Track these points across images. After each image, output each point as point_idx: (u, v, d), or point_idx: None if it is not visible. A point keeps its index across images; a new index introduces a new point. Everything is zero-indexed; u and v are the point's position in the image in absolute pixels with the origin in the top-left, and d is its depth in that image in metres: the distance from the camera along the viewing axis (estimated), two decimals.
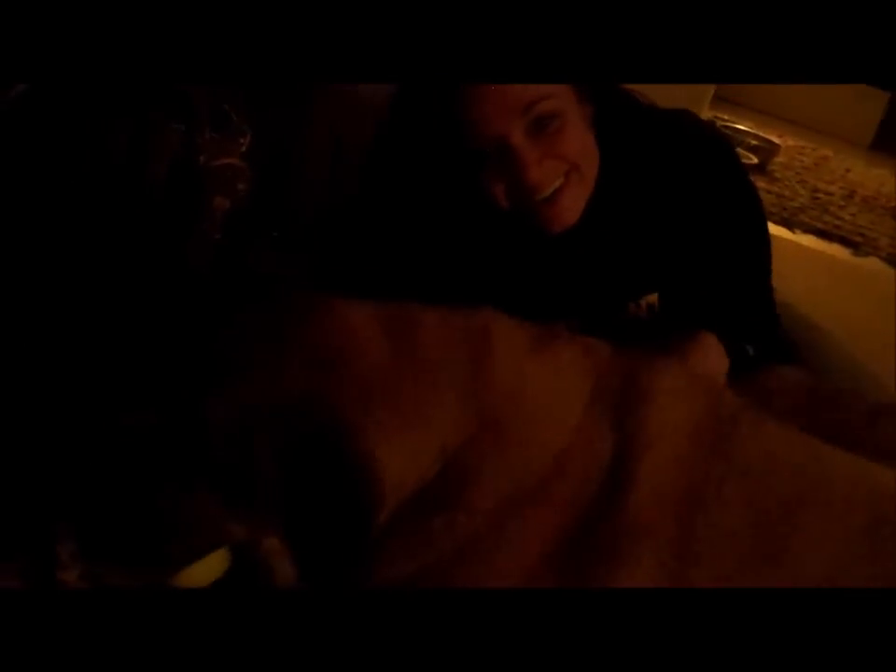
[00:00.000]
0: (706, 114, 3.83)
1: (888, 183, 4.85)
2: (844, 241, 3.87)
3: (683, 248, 1.38)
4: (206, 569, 0.93)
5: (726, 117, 4.84)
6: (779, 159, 4.66)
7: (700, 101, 3.47)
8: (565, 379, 1.04)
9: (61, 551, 0.92)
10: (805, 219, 3.97)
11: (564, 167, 1.26)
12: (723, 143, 1.47)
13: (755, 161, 4.33)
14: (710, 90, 3.87)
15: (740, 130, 4.59)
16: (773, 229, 1.69)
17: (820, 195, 4.35)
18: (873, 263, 3.70)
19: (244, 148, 1.37)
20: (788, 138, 5.15)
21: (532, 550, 0.95)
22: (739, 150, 2.20)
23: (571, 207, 1.29)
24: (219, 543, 0.92)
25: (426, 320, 1.00)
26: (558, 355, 1.06)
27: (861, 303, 2.90)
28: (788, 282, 1.67)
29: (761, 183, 3.94)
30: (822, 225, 3.97)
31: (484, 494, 0.95)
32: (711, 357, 1.28)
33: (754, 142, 4.51)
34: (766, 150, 4.52)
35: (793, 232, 3.85)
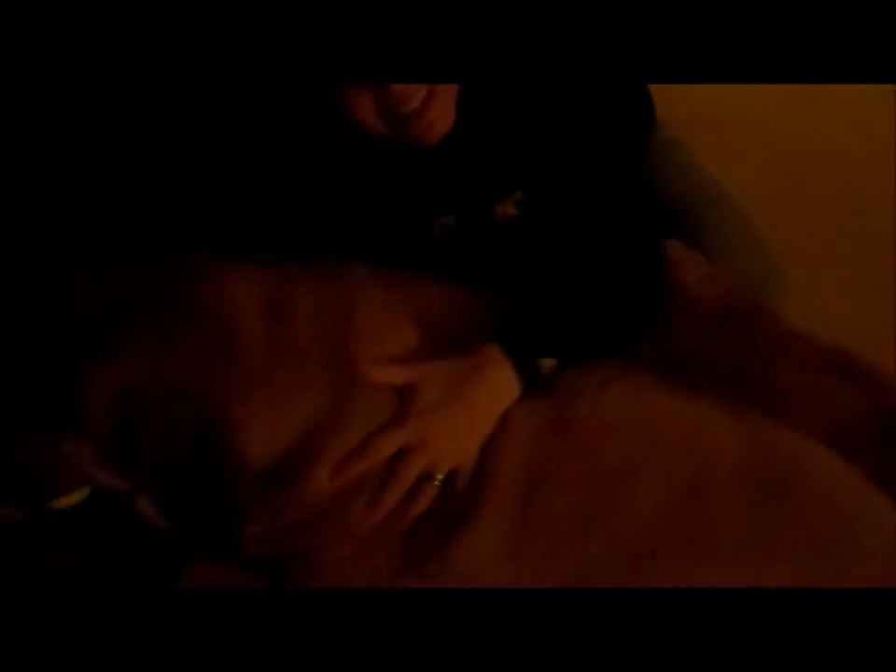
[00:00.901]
0: None
1: None
2: None
3: (548, 144, 1.32)
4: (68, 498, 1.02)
5: None
6: None
7: None
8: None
9: None
10: None
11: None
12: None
13: None
14: None
15: None
16: None
17: None
18: None
19: None
20: None
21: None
22: None
23: (438, 118, 1.22)
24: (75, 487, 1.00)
25: (300, 303, 1.07)
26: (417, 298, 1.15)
27: None
28: None
29: None
30: None
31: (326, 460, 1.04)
32: (489, 387, 1.16)
33: None
34: None
35: None
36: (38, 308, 1.02)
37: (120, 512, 1.04)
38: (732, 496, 1.12)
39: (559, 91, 1.32)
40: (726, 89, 1.99)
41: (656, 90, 1.70)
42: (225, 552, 1.04)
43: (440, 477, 1.10)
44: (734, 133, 2.42)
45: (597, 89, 1.38)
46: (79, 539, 1.08)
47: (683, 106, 1.94)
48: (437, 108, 1.20)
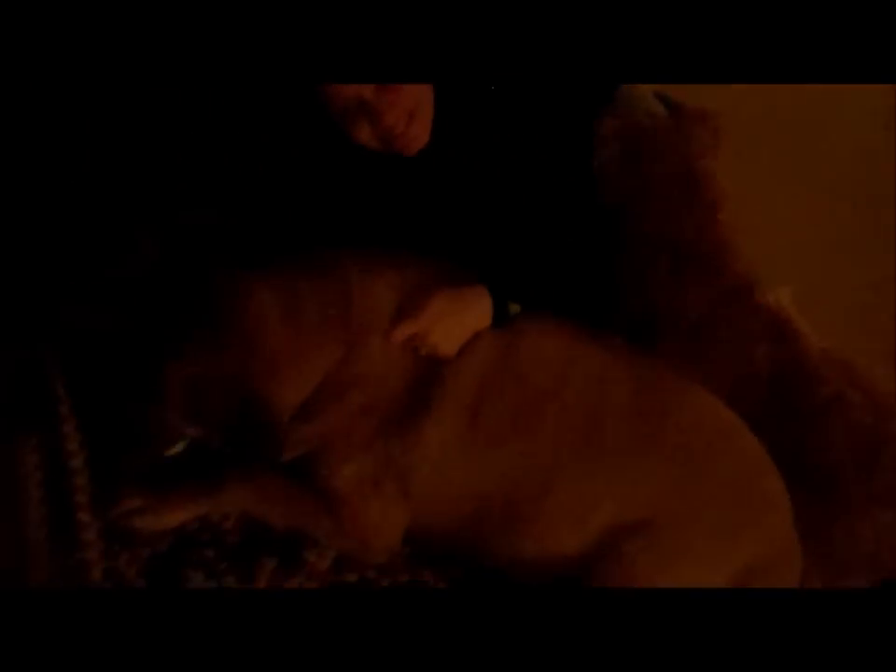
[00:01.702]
0: None
1: None
2: None
3: (504, 152, 1.76)
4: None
5: None
6: None
7: None
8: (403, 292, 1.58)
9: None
10: None
11: (408, 107, 1.64)
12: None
13: None
14: None
15: None
16: None
17: None
18: None
19: None
20: None
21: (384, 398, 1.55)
22: None
23: (419, 134, 1.68)
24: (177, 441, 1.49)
25: (302, 287, 1.51)
26: (403, 275, 1.59)
27: None
28: None
29: None
30: None
31: (347, 389, 1.54)
32: (475, 310, 1.63)
33: None
34: None
35: None
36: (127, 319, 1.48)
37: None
38: (621, 419, 1.59)
39: (515, 107, 1.76)
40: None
41: None
42: (268, 463, 1.53)
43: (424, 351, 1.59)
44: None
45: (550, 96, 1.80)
46: None
47: None
48: (416, 130, 1.67)
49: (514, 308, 1.66)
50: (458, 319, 1.61)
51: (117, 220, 1.68)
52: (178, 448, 1.51)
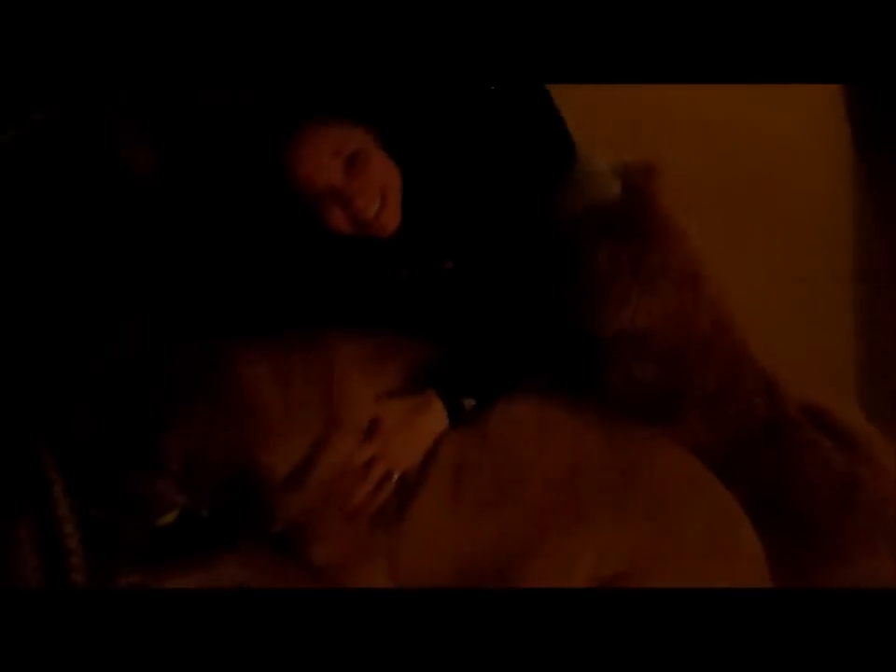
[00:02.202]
0: None
1: None
2: None
3: (471, 219, 1.85)
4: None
5: None
6: None
7: None
8: (387, 385, 1.67)
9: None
10: None
11: (378, 189, 1.73)
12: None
13: None
14: None
15: None
16: None
17: None
18: None
19: None
20: None
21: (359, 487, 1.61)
22: None
23: (392, 216, 1.76)
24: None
25: (292, 361, 1.60)
26: (385, 368, 1.68)
27: None
28: None
29: None
30: None
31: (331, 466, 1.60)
32: (428, 418, 1.70)
33: None
34: None
35: None
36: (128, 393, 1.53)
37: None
38: (596, 478, 1.67)
39: (476, 185, 1.85)
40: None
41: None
42: (256, 533, 1.58)
43: (396, 476, 1.65)
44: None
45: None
46: None
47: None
48: (387, 213, 1.76)
49: (468, 403, 1.71)
50: (413, 431, 1.67)
51: (99, 308, 1.72)
52: (171, 517, 1.56)
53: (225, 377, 1.53)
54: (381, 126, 1.79)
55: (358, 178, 1.70)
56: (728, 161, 2.59)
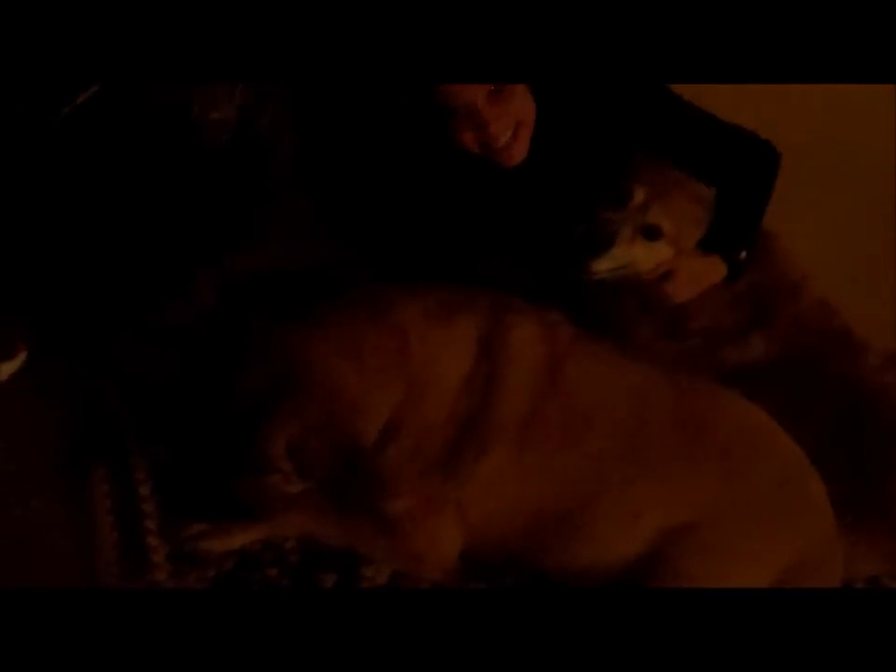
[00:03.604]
0: None
1: None
2: None
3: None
4: None
5: None
6: None
7: None
8: (457, 341, 1.66)
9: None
10: None
11: (513, 121, 1.81)
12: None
13: None
14: None
15: None
16: None
17: None
18: None
19: None
20: None
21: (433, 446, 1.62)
22: None
23: (520, 150, 1.86)
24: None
25: (359, 333, 1.60)
26: (455, 323, 1.67)
27: None
28: None
29: None
30: None
31: (409, 426, 1.61)
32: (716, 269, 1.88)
33: None
34: None
35: None
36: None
37: None
38: (663, 429, 1.66)
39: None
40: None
41: None
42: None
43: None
44: None
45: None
46: None
47: None
48: (517, 146, 1.84)
49: (742, 255, 1.92)
50: (700, 278, 1.91)
51: (176, 262, 1.77)
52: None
53: (293, 361, 1.55)
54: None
55: (499, 106, 1.78)
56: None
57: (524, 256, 1.95)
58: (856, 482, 1.81)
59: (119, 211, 1.78)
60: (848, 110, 2.55)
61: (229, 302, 1.78)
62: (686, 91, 1.97)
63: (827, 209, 2.44)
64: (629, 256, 1.87)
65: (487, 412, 1.62)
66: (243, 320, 1.68)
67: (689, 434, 1.66)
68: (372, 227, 1.99)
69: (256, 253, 1.85)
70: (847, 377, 1.91)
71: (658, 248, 1.88)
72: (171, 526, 1.59)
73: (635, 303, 1.97)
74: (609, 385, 1.69)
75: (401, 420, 1.60)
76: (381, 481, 1.55)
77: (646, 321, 1.98)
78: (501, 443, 1.61)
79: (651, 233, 1.87)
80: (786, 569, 1.60)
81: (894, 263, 2.51)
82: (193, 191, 1.80)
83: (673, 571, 1.57)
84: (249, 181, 1.84)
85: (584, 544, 1.62)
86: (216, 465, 1.56)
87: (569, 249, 1.87)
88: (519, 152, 1.84)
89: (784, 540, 1.62)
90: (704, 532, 1.59)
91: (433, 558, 1.63)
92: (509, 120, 1.79)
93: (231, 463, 1.53)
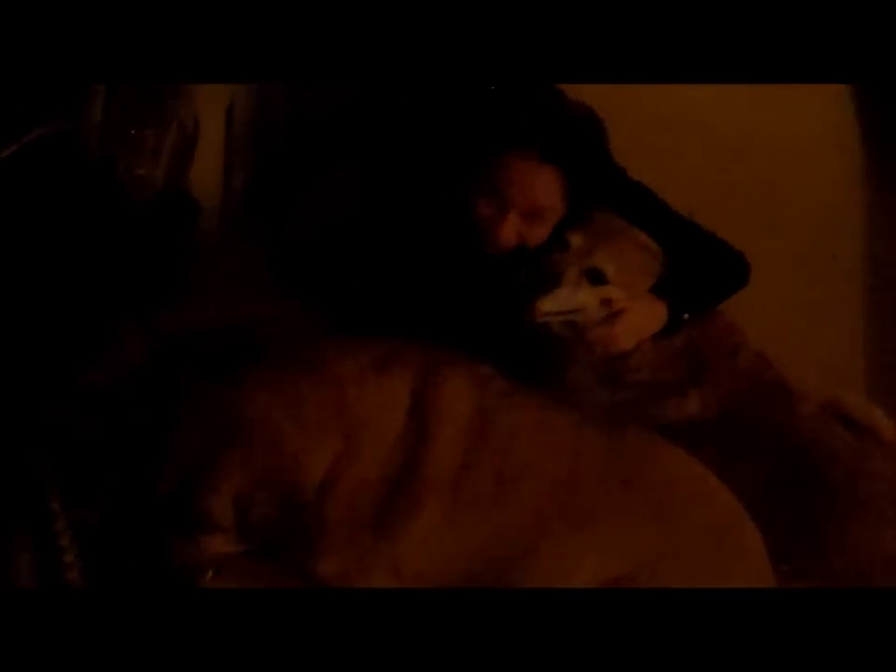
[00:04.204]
0: None
1: None
2: None
3: None
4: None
5: None
6: None
7: None
8: (392, 396, 1.66)
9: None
10: None
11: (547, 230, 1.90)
12: None
13: None
14: None
15: None
16: None
17: None
18: None
19: None
20: None
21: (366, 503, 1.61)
22: None
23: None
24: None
25: (304, 392, 1.59)
26: (390, 378, 1.66)
27: None
28: None
29: None
30: None
31: (344, 482, 1.60)
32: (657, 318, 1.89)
33: None
34: None
35: None
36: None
37: None
38: (597, 481, 1.66)
39: None
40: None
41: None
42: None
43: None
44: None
45: None
46: None
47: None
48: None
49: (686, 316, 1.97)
50: (640, 320, 1.92)
51: (103, 320, 1.74)
52: (210, 574, 1.59)
53: (238, 421, 1.53)
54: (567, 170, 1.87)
55: (535, 230, 1.88)
56: (735, 163, 2.59)
57: (464, 304, 1.94)
58: (793, 530, 1.81)
59: (43, 268, 1.76)
60: (785, 153, 2.61)
61: (159, 361, 1.76)
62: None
63: (762, 255, 2.46)
64: (575, 300, 1.87)
65: (419, 468, 1.62)
66: (174, 379, 1.66)
67: (622, 486, 1.66)
68: (318, 280, 1.98)
69: (186, 311, 1.83)
70: (782, 427, 1.92)
71: (605, 293, 1.89)
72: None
73: (575, 353, 1.97)
74: (540, 439, 1.68)
75: (337, 477, 1.59)
76: (317, 537, 1.54)
77: (585, 371, 1.97)
78: (434, 499, 1.60)
79: (596, 277, 1.87)
80: None
81: (829, 310, 2.53)
82: (119, 248, 1.78)
83: None
84: (176, 239, 1.83)
85: None
86: (147, 527, 1.52)
87: (515, 291, 1.88)
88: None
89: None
90: (641, 583, 1.58)
91: None
92: (542, 233, 1.90)
93: (166, 523, 1.50)
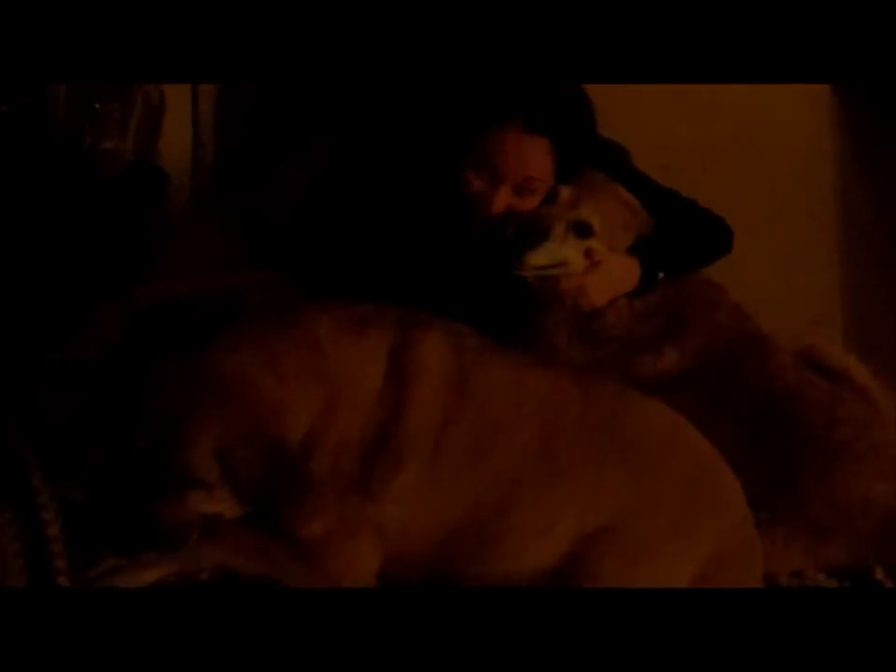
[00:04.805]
0: None
1: None
2: None
3: None
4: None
5: None
6: None
7: None
8: (369, 355, 1.66)
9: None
10: None
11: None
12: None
13: None
14: None
15: None
16: None
17: None
18: None
19: None
20: None
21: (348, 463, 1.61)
22: None
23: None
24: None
25: (276, 342, 1.59)
26: (367, 337, 1.66)
27: None
28: None
29: None
30: None
31: (326, 441, 1.60)
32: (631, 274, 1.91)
33: None
34: None
35: None
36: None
37: None
38: (574, 433, 1.67)
39: None
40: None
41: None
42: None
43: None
44: None
45: None
46: None
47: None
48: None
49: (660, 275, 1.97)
50: (611, 276, 1.93)
51: (77, 296, 1.75)
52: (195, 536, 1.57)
53: (215, 376, 1.53)
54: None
55: (525, 203, 1.91)
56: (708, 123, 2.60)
57: (445, 265, 1.96)
58: (772, 479, 1.84)
59: (13, 244, 1.76)
60: (760, 109, 2.61)
61: (133, 333, 1.76)
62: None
63: (738, 207, 2.48)
64: (562, 253, 1.88)
65: (399, 427, 1.62)
66: (150, 349, 1.66)
67: (598, 438, 1.68)
68: (295, 248, 1.98)
69: (158, 283, 1.83)
70: (759, 378, 1.94)
71: (588, 245, 1.90)
72: (81, 566, 1.55)
73: (551, 307, 1.98)
74: (517, 395, 1.69)
75: (319, 434, 1.59)
76: (306, 488, 1.53)
77: (560, 326, 1.98)
78: (414, 458, 1.61)
79: (583, 230, 1.88)
80: (704, 565, 1.62)
81: (806, 261, 2.55)
82: (89, 223, 1.78)
83: (591, 575, 1.58)
84: (146, 211, 1.83)
85: (502, 555, 1.61)
86: (132, 492, 1.52)
87: (502, 246, 1.88)
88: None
89: (699, 537, 1.63)
90: (619, 534, 1.60)
91: (350, 581, 1.61)
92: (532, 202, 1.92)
93: (149, 484, 1.49)
